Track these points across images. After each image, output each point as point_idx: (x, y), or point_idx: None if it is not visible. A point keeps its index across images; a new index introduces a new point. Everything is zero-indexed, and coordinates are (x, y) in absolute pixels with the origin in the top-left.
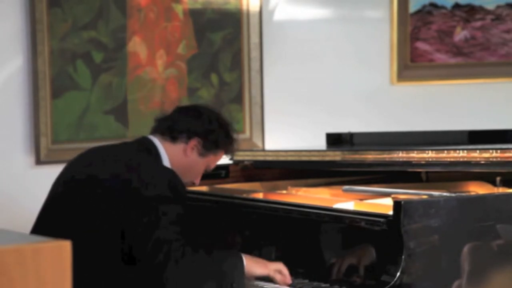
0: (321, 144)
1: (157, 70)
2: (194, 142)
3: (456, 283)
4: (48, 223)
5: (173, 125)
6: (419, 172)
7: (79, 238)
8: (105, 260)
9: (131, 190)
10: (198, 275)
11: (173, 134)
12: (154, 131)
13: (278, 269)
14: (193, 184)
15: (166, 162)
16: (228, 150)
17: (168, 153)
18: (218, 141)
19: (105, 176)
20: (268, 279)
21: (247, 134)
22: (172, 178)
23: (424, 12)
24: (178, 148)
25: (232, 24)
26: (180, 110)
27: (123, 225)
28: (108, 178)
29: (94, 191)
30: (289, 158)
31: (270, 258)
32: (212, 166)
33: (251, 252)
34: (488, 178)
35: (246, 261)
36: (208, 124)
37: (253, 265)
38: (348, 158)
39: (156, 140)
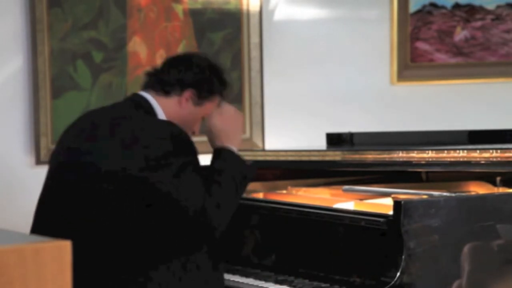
0: (321, 144)
1: None
2: (188, 93)
3: (456, 283)
4: (53, 211)
5: (164, 79)
6: (419, 172)
7: (88, 226)
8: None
9: (138, 163)
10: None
11: (166, 88)
12: (146, 87)
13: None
14: (193, 134)
15: (161, 116)
16: (223, 95)
17: (163, 107)
18: (213, 88)
19: (105, 162)
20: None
21: (247, 134)
22: (173, 130)
23: (424, 12)
24: (172, 101)
25: (232, 24)
26: (170, 62)
27: (145, 197)
28: (109, 163)
29: (97, 179)
30: (289, 158)
31: (270, 258)
32: (209, 113)
33: (251, 252)
34: (488, 178)
35: (234, 148)
36: (200, 73)
37: (232, 141)
38: (348, 158)
39: (148, 96)
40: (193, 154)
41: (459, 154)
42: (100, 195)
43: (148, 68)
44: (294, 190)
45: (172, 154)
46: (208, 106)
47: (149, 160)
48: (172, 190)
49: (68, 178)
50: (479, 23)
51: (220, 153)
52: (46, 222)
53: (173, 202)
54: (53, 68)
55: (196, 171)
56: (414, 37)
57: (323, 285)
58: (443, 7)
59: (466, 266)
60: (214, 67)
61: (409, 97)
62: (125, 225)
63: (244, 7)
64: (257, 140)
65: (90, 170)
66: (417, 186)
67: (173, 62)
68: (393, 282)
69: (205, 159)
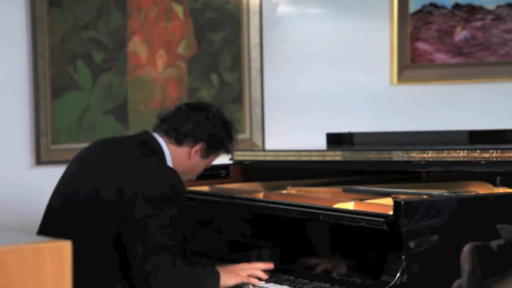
0: (321, 144)
1: (157, 70)
2: (199, 146)
3: (456, 283)
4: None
5: (179, 128)
6: (419, 172)
7: (83, 240)
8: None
9: (131, 195)
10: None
11: (179, 137)
12: (158, 130)
13: (250, 274)
14: (190, 180)
15: (169, 162)
16: (229, 150)
17: (172, 154)
18: (222, 144)
19: (109, 188)
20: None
21: (247, 134)
22: (174, 179)
23: (424, 12)
24: (183, 151)
25: (232, 24)
26: (185, 111)
27: (121, 227)
28: (111, 190)
29: (98, 204)
30: (289, 158)
31: (270, 258)
32: (211, 165)
33: (251, 252)
34: (488, 178)
35: (221, 275)
36: (214, 129)
37: (226, 278)
38: (348, 158)
39: (160, 140)
40: (180, 206)
41: (459, 154)
42: (94, 214)
43: (162, 112)
44: (294, 190)
45: (167, 202)
46: (212, 159)
47: (145, 200)
48: (142, 231)
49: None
50: (479, 23)
51: (215, 271)
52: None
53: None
54: (53, 68)
55: (172, 222)
56: (414, 37)
57: (323, 285)
58: (443, 7)
59: (466, 266)
60: (226, 123)
61: (409, 97)
62: (103, 239)
63: (244, 7)
64: (257, 140)
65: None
66: (417, 186)
67: (189, 113)
68: (393, 282)
69: None
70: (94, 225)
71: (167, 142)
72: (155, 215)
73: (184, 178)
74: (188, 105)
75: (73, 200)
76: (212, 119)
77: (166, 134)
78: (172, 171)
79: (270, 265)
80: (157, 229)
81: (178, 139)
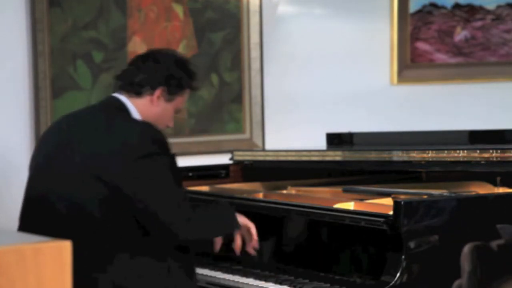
0: (321, 144)
1: None
2: (158, 91)
3: (456, 283)
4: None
5: (134, 81)
6: (419, 172)
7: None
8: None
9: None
10: (206, 230)
11: (136, 89)
12: (118, 89)
13: (250, 227)
14: (168, 127)
15: (136, 116)
16: (193, 87)
17: (137, 107)
18: (181, 83)
19: (84, 164)
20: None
21: (247, 134)
22: (147, 130)
23: (424, 12)
24: (145, 100)
25: (232, 24)
26: (137, 62)
27: (122, 196)
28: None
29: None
30: (289, 158)
31: (270, 258)
32: (181, 106)
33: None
34: (488, 178)
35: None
36: (167, 70)
37: (238, 215)
38: (348, 158)
39: (123, 97)
40: (169, 155)
41: (459, 154)
42: (81, 187)
43: (117, 71)
44: (294, 190)
45: (154, 153)
46: (179, 100)
47: (129, 158)
48: (143, 191)
49: (49, 176)
50: (479, 23)
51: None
52: (32, 214)
53: (142, 205)
54: (53, 68)
55: (172, 171)
56: (414, 37)
57: (323, 285)
58: (443, 7)
59: (466, 266)
60: (180, 61)
61: (409, 97)
62: (97, 214)
63: (244, 7)
64: (257, 140)
65: (71, 165)
66: (417, 186)
67: (140, 63)
68: (393, 282)
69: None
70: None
71: (129, 98)
72: (149, 173)
73: (161, 127)
74: (137, 56)
75: (73, 203)
76: (163, 61)
77: (124, 90)
78: (144, 124)
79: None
80: (158, 185)
81: (136, 91)
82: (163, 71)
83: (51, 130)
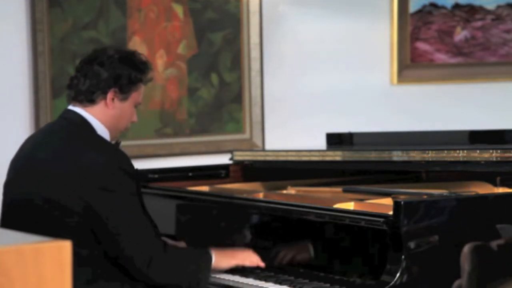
0: (321, 144)
1: (157, 70)
2: (110, 94)
3: (456, 283)
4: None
5: (82, 89)
6: (419, 172)
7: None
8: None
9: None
10: (173, 275)
11: (88, 97)
12: (72, 101)
13: (246, 257)
14: (133, 122)
15: (98, 126)
16: (145, 79)
17: (96, 116)
18: (131, 79)
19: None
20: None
21: (247, 134)
22: (112, 160)
23: (424, 12)
24: (100, 106)
25: (232, 24)
26: (82, 69)
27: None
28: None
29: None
30: (289, 158)
31: (270, 258)
32: (140, 100)
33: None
34: (488, 178)
35: (214, 257)
36: (113, 70)
37: (220, 261)
38: (348, 158)
39: (79, 110)
40: (135, 180)
41: (459, 154)
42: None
43: (66, 83)
44: (294, 190)
45: (119, 183)
46: (135, 96)
47: (97, 188)
48: (116, 227)
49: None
50: (479, 23)
51: (208, 254)
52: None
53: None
54: (53, 68)
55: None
56: (414, 37)
57: (323, 285)
58: (443, 7)
59: (466, 266)
60: (125, 58)
61: (409, 97)
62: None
63: (244, 7)
64: (257, 140)
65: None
66: (417, 186)
67: (85, 68)
68: (393, 282)
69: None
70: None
71: (84, 108)
72: (118, 202)
73: (122, 127)
74: (81, 61)
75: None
76: (108, 62)
77: (77, 101)
78: (109, 151)
79: (261, 264)
80: (129, 216)
81: (88, 99)
82: (110, 73)
83: (18, 155)
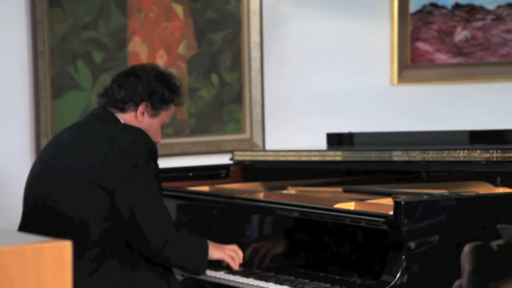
0: (322, 144)
1: None
2: (142, 107)
3: (456, 283)
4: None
5: (116, 97)
6: (419, 172)
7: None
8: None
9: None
10: (184, 257)
11: (120, 105)
12: (103, 106)
13: (231, 254)
14: (156, 143)
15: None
16: (177, 102)
17: (124, 120)
18: (164, 97)
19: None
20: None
21: (247, 134)
22: (142, 137)
23: (425, 12)
24: (130, 116)
25: (232, 24)
26: (119, 79)
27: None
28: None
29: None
30: (289, 158)
31: (270, 258)
32: (167, 121)
33: (251, 252)
34: (488, 178)
35: (209, 247)
36: (149, 85)
37: (213, 251)
38: (348, 158)
39: (110, 109)
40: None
41: (459, 154)
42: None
43: (99, 90)
44: (294, 190)
45: (147, 161)
46: (165, 115)
47: (125, 164)
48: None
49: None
50: (479, 23)
51: (205, 241)
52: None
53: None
54: (53, 68)
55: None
56: (414, 37)
57: (323, 285)
58: (443, 7)
59: (466, 266)
60: (162, 76)
61: (409, 97)
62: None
63: (244, 7)
64: (257, 140)
65: (69, 174)
66: (417, 186)
67: (121, 79)
68: (393, 282)
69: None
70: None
71: (115, 113)
72: (145, 181)
73: None
74: (119, 74)
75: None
76: (145, 77)
77: (109, 106)
78: (137, 130)
79: (239, 261)
80: (151, 197)
81: (120, 107)
82: (144, 87)
83: (48, 146)
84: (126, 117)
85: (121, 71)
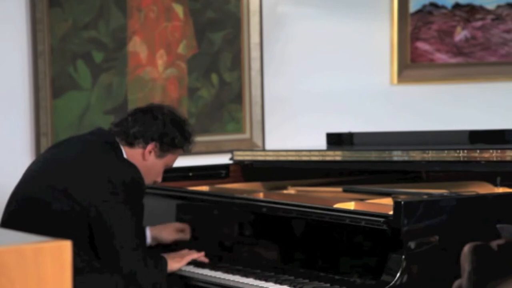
0: (322, 144)
1: (157, 70)
2: (151, 146)
3: (456, 283)
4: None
5: (129, 132)
6: (419, 172)
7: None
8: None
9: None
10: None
11: (130, 140)
12: (115, 134)
13: (188, 256)
14: (156, 183)
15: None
16: (185, 148)
17: (128, 156)
18: (175, 142)
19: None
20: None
21: (247, 134)
22: (135, 174)
23: (425, 12)
24: (136, 152)
25: (232, 24)
26: (135, 115)
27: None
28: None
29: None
30: (289, 158)
31: (270, 258)
32: (171, 164)
33: (251, 252)
34: (488, 178)
35: (168, 261)
36: (163, 127)
37: (172, 264)
38: (348, 158)
39: (117, 140)
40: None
41: (459, 154)
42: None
43: (116, 119)
44: (294, 190)
45: (133, 199)
46: (170, 158)
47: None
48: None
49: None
50: (479, 23)
51: (164, 260)
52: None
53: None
54: (53, 68)
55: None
56: (414, 37)
57: (323, 285)
58: (443, 7)
59: (466, 266)
60: (177, 121)
61: (409, 97)
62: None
63: (244, 7)
64: (257, 140)
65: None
66: (417, 186)
67: (138, 115)
68: (393, 282)
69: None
70: (64, 228)
71: (122, 144)
72: (121, 212)
73: (146, 181)
74: (136, 109)
75: (38, 204)
76: (161, 118)
77: (119, 137)
78: (132, 167)
79: (201, 255)
80: (125, 228)
81: (129, 141)
82: (158, 127)
83: (39, 157)
84: (131, 152)
85: (140, 107)
